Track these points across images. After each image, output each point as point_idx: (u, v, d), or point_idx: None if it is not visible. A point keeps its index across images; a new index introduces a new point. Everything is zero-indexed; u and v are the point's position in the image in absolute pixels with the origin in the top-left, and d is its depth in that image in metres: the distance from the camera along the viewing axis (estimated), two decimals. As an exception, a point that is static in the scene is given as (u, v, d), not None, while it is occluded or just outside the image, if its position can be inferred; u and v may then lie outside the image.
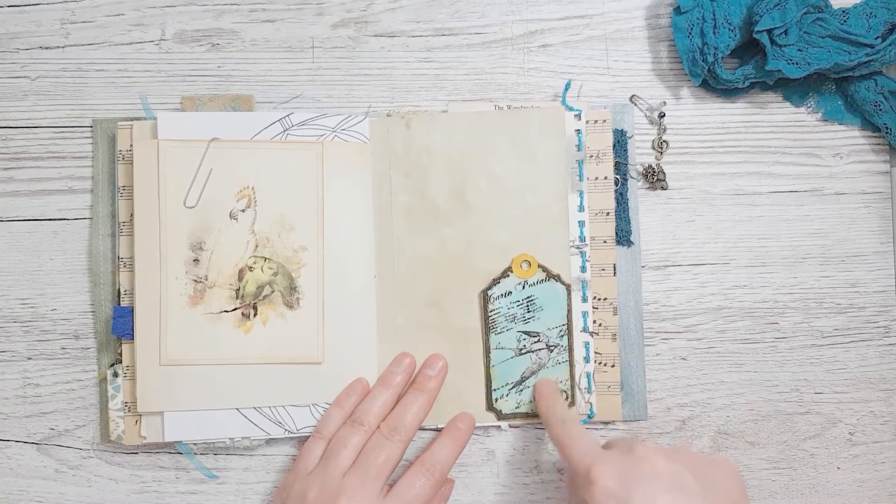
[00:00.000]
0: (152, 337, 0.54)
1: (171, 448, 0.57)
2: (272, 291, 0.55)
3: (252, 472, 0.57)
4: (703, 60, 0.55)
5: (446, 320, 0.56)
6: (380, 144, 0.57)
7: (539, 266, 0.56)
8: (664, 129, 0.58)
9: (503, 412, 0.56)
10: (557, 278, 0.56)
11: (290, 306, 0.55)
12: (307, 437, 0.55)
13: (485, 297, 0.56)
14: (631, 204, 0.57)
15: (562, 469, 0.57)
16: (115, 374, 0.55)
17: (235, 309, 0.55)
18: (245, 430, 0.55)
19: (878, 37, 0.55)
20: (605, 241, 0.57)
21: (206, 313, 0.55)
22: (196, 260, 0.55)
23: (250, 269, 0.55)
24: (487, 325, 0.56)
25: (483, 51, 0.58)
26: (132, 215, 0.55)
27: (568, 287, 0.56)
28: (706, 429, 0.57)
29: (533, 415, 0.56)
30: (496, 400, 0.56)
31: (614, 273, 0.57)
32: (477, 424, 0.56)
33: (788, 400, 0.57)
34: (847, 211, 0.58)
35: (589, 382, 0.56)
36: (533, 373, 0.56)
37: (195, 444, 0.56)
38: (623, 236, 0.57)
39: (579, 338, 0.56)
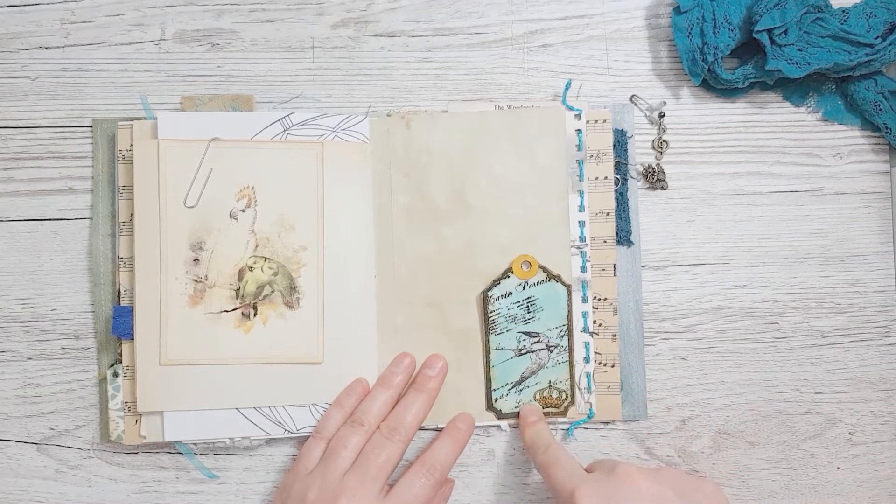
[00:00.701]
0: (152, 337, 0.54)
1: (171, 448, 0.57)
2: (272, 291, 0.55)
3: (252, 472, 0.57)
4: (703, 60, 0.55)
5: (446, 320, 0.56)
6: (380, 144, 0.57)
7: (539, 267, 0.56)
8: (664, 129, 0.58)
9: (503, 412, 0.56)
10: (558, 279, 0.56)
11: (290, 306, 0.55)
12: (307, 437, 0.55)
13: (485, 298, 0.56)
14: (631, 204, 0.57)
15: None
16: (115, 374, 0.55)
17: (235, 309, 0.55)
18: (245, 430, 0.55)
19: (878, 37, 0.55)
20: (605, 241, 0.57)
21: (206, 313, 0.55)
22: (196, 260, 0.55)
23: (250, 268, 0.55)
24: (487, 326, 0.56)
25: (483, 51, 0.58)
26: (132, 215, 0.55)
27: (568, 287, 0.56)
28: (706, 429, 0.57)
29: (533, 415, 0.56)
30: (496, 400, 0.56)
31: (614, 273, 0.57)
32: (477, 424, 0.56)
33: (788, 400, 0.57)
34: (847, 211, 0.58)
35: (589, 382, 0.56)
36: (533, 373, 0.56)
37: (195, 444, 0.56)
38: (623, 236, 0.57)
39: (579, 338, 0.56)
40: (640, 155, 0.58)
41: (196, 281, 0.55)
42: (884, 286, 0.58)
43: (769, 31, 0.54)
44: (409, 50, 0.58)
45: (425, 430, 0.57)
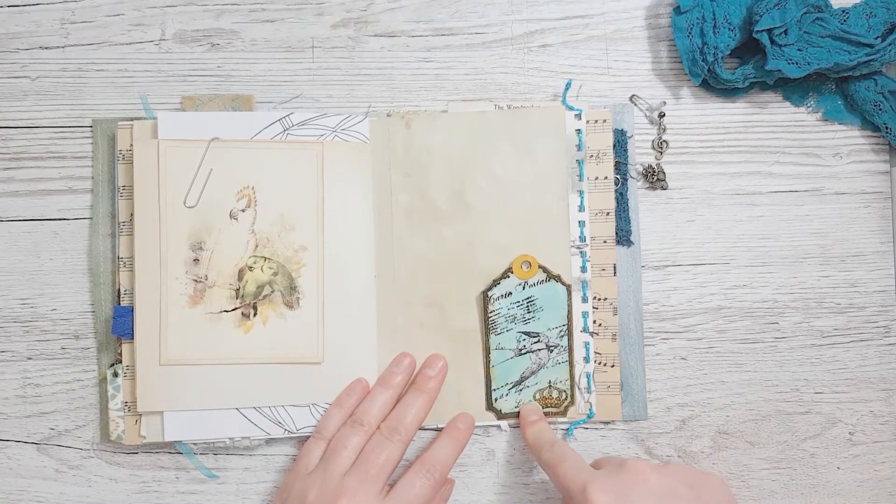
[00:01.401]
0: (152, 337, 0.54)
1: (171, 448, 0.57)
2: (272, 291, 0.55)
3: (252, 472, 0.57)
4: (703, 60, 0.55)
5: (446, 321, 0.56)
6: (380, 144, 0.57)
7: (539, 267, 0.56)
8: (664, 129, 0.58)
9: (503, 412, 0.56)
10: (558, 279, 0.56)
11: (290, 306, 0.55)
12: (307, 437, 0.55)
13: (485, 298, 0.56)
14: (631, 204, 0.57)
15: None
16: (115, 374, 0.55)
17: (235, 309, 0.55)
18: (245, 430, 0.55)
19: (877, 36, 0.55)
20: (605, 241, 0.57)
21: (206, 313, 0.55)
22: (196, 260, 0.55)
23: (250, 268, 0.55)
24: (487, 326, 0.56)
25: (483, 51, 0.58)
26: (132, 215, 0.55)
27: (568, 287, 0.56)
28: (706, 429, 0.57)
29: (533, 415, 0.56)
30: (496, 400, 0.56)
31: (614, 273, 0.57)
32: (477, 424, 0.56)
33: (788, 400, 0.57)
34: (847, 211, 0.58)
35: (589, 382, 0.56)
36: (533, 373, 0.56)
37: (195, 443, 0.56)
38: (623, 236, 0.57)
39: (579, 338, 0.56)
40: (640, 155, 0.58)
41: (196, 281, 0.55)
42: (884, 286, 0.58)
43: (769, 31, 0.54)
44: (409, 50, 0.58)
45: (425, 430, 0.57)
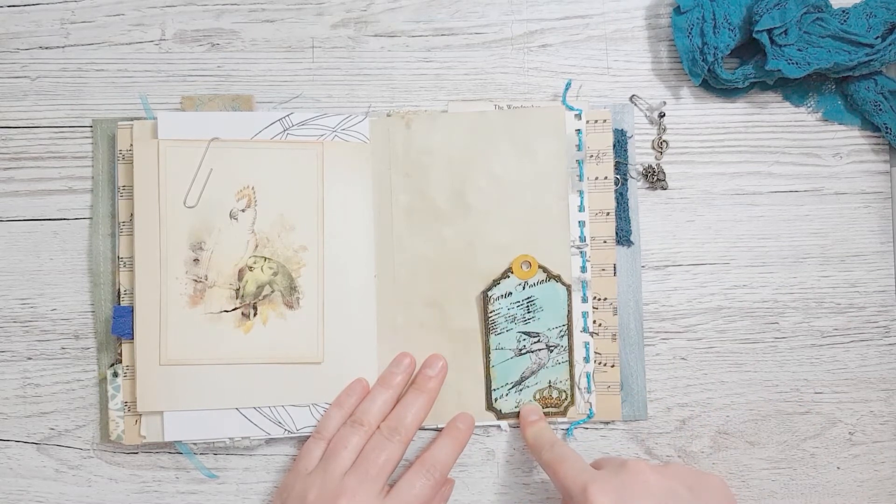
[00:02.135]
0: (152, 337, 0.54)
1: (171, 448, 0.57)
2: (272, 291, 0.55)
3: (252, 472, 0.57)
4: (703, 60, 0.55)
5: (446, 320, 0.56)
6: (380, 144, 0.57)
7: (539, 267, 0.56)
8: (664, 129, 0.58)
9: (503, 412, 0.56)
10: (558, 279, 0.56)
11: (290, 306, 0.55)
12: (307, 437, 0.55)
13: (485, 298, 0.56)
14: (631, 204, 0.57)
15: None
16: (115, 374, 0.55)
17: (235, 309, 0.55)
18: (245, 430, 0.55)
19: (878, 37, 0.55)
20: (605, 241, 0.57)
21: (206, 313, 0.55)
22: (196, 260, 0.55)
23: (250, 268, 0.55)
24: (487, 326, 0.56)
25: (483, 51, 0.58)
26: (132, 215, 0.55)
27: (568, 287, 0.56)
28: (706, 429, 0.57)
29: (533, 415, 0.56)
30: (496, 400, 0.56)
31: (614, 273, 0.57)
32: (477, 424, 0.56)
33: (788, 400, 0.57)
34: (847, 211, 0.58)
35: (589, 382, 0.56)
36: (533, 373, 0.56)
37: (195, 443, 0.56)
38: (623, 236, 0.57)
39: (579, 338, 0.56)
40: (640, 155, 0.58)
41: (196, 281, 0.55)
42: (884, 286, 0.58)
43: (769, 31, 0.54)
44: (409, 50, 0.58)
45: (425, 430, 0.57)
